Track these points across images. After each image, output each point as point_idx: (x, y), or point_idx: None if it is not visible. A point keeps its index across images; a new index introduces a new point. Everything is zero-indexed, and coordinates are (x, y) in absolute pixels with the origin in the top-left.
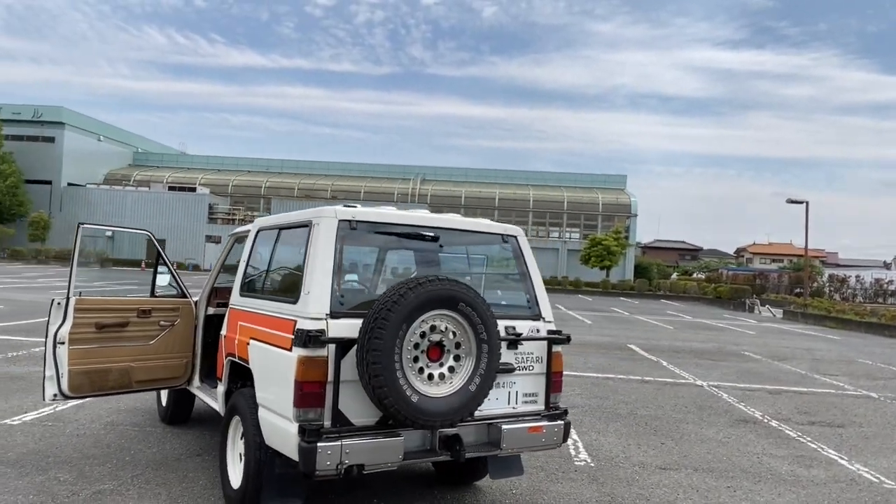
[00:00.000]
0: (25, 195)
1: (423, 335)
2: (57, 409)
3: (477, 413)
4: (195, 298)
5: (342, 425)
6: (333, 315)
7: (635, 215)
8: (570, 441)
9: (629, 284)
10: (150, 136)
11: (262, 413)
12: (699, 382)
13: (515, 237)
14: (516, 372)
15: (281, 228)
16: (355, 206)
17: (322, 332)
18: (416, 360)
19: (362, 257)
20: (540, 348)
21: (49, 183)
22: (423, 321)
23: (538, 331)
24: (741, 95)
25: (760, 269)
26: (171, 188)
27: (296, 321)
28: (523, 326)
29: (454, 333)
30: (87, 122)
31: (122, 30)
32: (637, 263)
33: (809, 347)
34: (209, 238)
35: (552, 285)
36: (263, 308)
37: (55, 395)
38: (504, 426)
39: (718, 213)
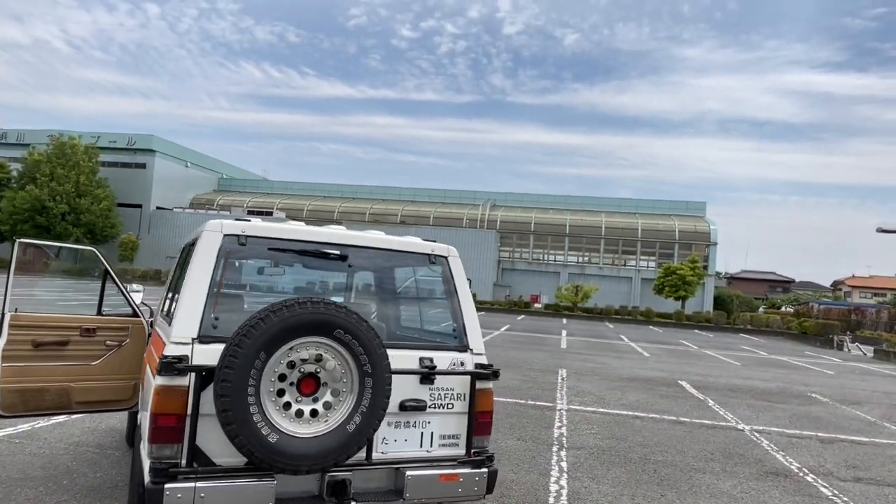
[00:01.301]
0: (117, 218)
1: (291, 365)
2: (35, 427)
3: (379, 455)
4: (151, 318)
5: (201, 465)
6: (202, 340)
7: (715, 244)
8: (553, 488)
9: (705, 316)
10: (243, 165)
11: (141, 446)
12: (741, 426)
13: (445, 258)
14: (430, 410)
15: (189, 245)
16: (249, 220)
17: (182, 358)
18: (280, 393)
19: (254, 277)
20: (462, 384)
21: (140, 206)
22: (292, 349)
23: (462, 364)
24: (842, 120)
25: (857, 304)
26: (249, 212)
27: (165, 345)
28: (443, 359)
29: (332, 365)
30: (176, 149)
31: (222, 66)
32: (717, 295)
33: (891, 391)
34: None
35: (621, 315)
36: (163, 330)
37: None
38: (410, 472)
39: (816, 243)
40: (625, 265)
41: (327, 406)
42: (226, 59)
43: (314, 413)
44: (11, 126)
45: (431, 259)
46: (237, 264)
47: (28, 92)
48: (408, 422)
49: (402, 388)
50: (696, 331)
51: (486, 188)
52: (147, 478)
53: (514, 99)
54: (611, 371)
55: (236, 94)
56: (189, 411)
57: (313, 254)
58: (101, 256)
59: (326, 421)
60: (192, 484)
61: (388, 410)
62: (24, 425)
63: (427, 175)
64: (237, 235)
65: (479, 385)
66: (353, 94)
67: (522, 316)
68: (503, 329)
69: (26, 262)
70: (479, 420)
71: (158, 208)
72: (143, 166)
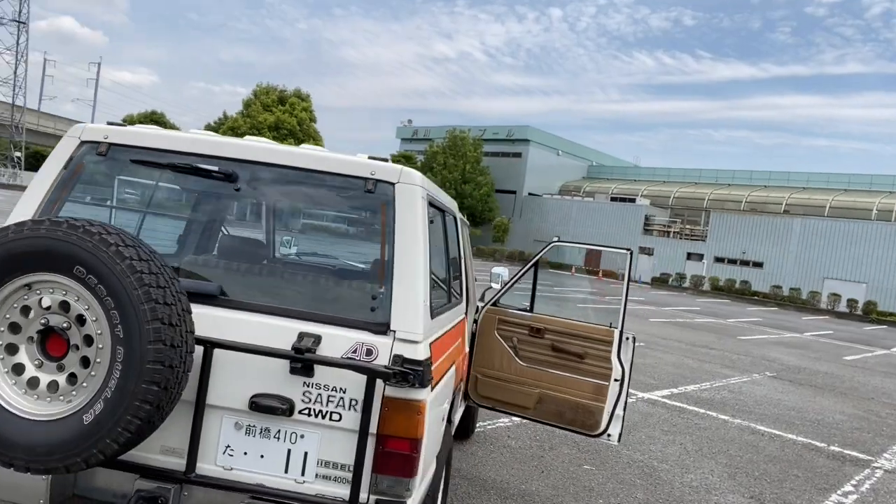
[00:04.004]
0: (494, 203)
1: (26, 312)
2: None
3: (214, 470)
4: None
5: None
6: None
7: None
8: None
9: None
10: (622, 154)
11: None
12: None
13: (392, 185)
14: (302, 417)
15: None
16: (123, 125)
17: None
18: (12, 350)
19: (116, 196)
20: (356, 385)
21: (514, 193)
22: (30, 288)
23: (370, 352)
24: None
25: None
26: (612, 199)
27: None
28: (340, 339)
29: (85, 319)
30: (548, 138)
31: (615, 58)
32: None
33: None
34: (642, 250)
35: None
36: None
37: None
38: None
39: None
40: None
41: (72, 380)
42: (619, 52)
43: (53, 386)
44: (421, 124)
45: (369, 186)
46: (95, 180)
47: (452, 98)
48: (266, 429)
49: (259, 377)
50: None
51: None
52: None
53: None
54: None
55: (627, 84)
56: None
57: (186, 170)
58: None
59: (69, 401)
60: None
61: (235, 407)
62: None
63: (847, 162)
64: (96, 143)
65: (390, 392)
66: (754, 74)
67: None
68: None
69: None
70: (385, 448)
71: (530, 195)
72: (518, 155)
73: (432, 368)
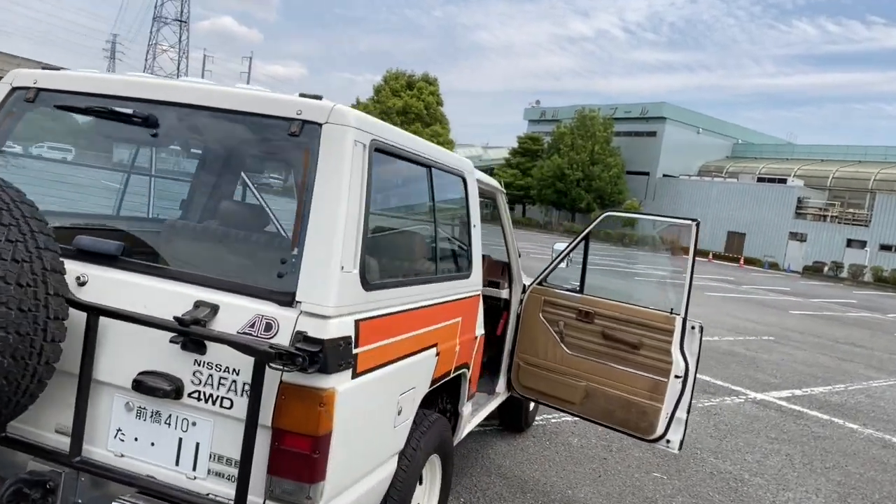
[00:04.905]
0: (625, 184)
1: None
2: None
3: (103, 455)
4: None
5: None
6: None
7: None
8: None
9: None
10: (774, 131)
11: None
12: None
13: (318, 126)
14: (192, 402)
15: None
16: (61, 69)
17: None
18: None
19: (42, 145)
20: (250, 367)
21: (646, 174)
22: None
23: (270, 327)
24: None
25: None
26: (759, 179)
27: None
28: (239, 311)
29: None
30: (687, 115)
31: (771, 27)
32: None
33: None
34: (793, 235)
35: None
36: None
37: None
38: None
39: None
40: None
41: None
42: (776, 20)
43: None
44: (549, 105)
45: (294, 128)
46: (24, 128)
47: (588, 78)
48: (157, 413)
49: (148, 352)
50: None
51: None
52: None
53: None
54: None
55: (784, 56)
56: None
57: (104, 114)
58: None
59: None
60: None
61: (123, 385)
62: None
63: None
64: (26, 89)
65: (288, 378)
66: None
67: None
68: None
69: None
70: (281, 445)
71: (664, 176)
72: (653, 134)
73: (359, 351)
